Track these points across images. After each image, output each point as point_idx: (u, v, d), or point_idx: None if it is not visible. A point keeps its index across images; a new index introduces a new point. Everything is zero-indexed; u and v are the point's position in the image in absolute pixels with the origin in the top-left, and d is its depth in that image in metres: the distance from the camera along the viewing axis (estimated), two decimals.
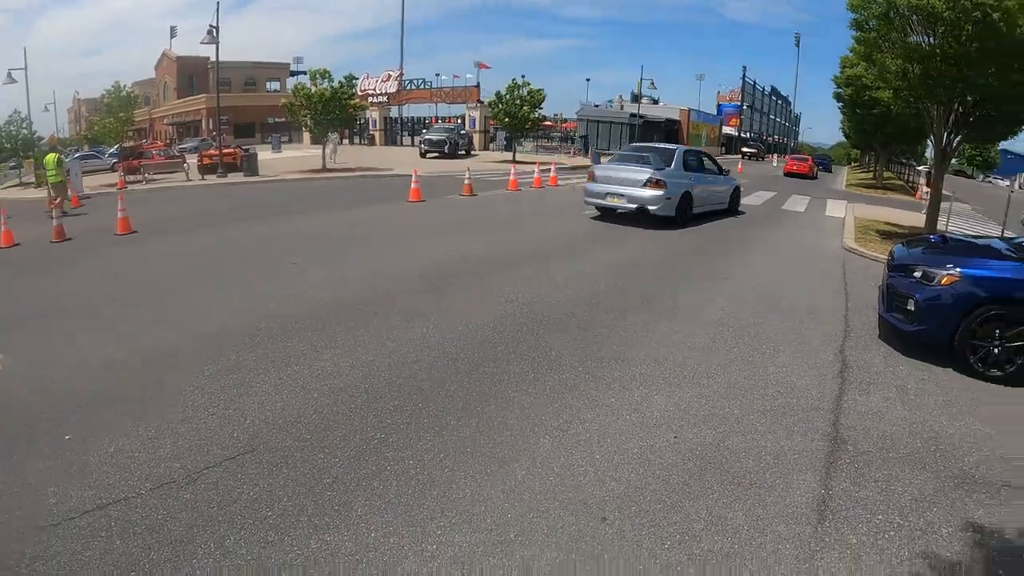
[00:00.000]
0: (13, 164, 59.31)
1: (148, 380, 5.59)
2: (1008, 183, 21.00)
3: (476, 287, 8.63)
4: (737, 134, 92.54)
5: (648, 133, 62.53)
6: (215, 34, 29.18)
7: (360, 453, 4.27)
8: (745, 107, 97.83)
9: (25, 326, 7.52)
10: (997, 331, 6.00)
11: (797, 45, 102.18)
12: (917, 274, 6.57)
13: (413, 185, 18.80)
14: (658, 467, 4.16)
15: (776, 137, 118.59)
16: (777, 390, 5.48)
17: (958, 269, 6.30)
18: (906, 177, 43.79)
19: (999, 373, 6.00)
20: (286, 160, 40.19)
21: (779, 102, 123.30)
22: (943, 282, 6.30)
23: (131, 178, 27.73)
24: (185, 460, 4.22)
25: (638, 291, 8.66)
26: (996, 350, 6.02)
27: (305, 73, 38.26)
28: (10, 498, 3.87)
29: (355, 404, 5.00)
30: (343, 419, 4.75)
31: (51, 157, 20.38)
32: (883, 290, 7.21)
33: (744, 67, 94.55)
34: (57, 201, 18.34)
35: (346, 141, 63.97)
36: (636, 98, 68.54)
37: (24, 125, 48.77)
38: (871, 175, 51.08)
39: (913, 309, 6.48)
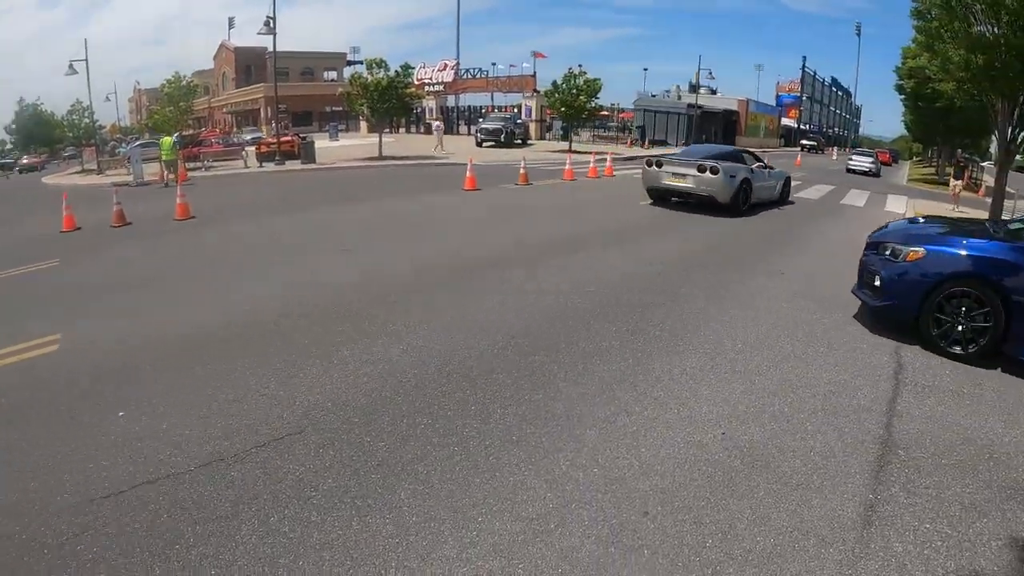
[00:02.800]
0: (71, 152, 61.85)
1: (200, 360, 5.76)
2: None
3: (528, 275, 8.66)
4: (797, 126, 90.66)
5: (706, 124, 61.80)
6: (272, 25, 29.73)
7: (406, 438, 4.33)
8: (804, 98, 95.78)
9: (84, 306, 7.83)
10: (963, 309, 6.08)
11: (858, 35, 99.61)
12: (887, 252, 6.74)
13: (468, 174, 18.98)
14: (704, 463, 4.11)
15: (836, 129, 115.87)
16: (829, 389, 5.34)
17: (924, 247, 6.42)
18: (970, 172, 42.43)
19: (960, 351, 6.11)
20: (343, 148, 40.77)
21: (840, 94, 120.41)
22: (908, 258, 6.44)
23: (191, 165, 28.46)
24: (234, 439, 4.34)
25: (692, 281, 8.53)
26: (959, 327, 6.10)
27: (362, 63, 38.58)
28: (64, 471, 4.03)
29: (404, 389, 5.07)
30: (391, 403, 4.82)
31: (167, 140, 24.18)
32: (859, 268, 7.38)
33: (804, 57, 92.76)
34: (170, 176, 23.60)
35: (401, 129, 64.62)
36: (694, 88, 67.76)
37: (86, 114, 50.58)
38: (934, 170, 49.66)
39: (879, 284, 6.67)
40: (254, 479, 3.88)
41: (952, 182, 21.89)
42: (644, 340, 6.28)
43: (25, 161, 66.06)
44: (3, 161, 70.26)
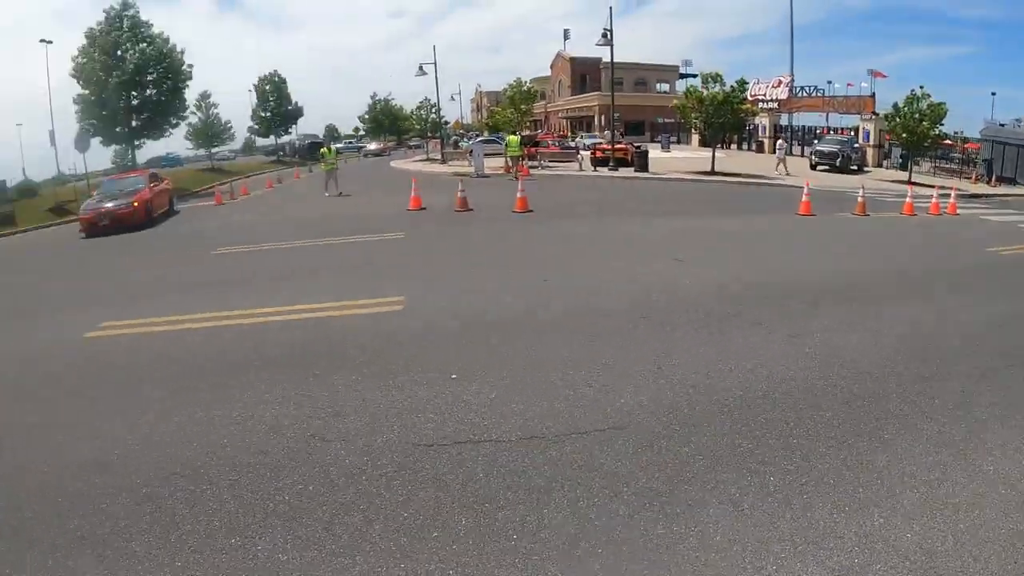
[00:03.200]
0: (417, 143, 70.41)
1: (535, 341, 6.45)
2: None
3: (870, 311, 8.24)
4: None
5: None
6: (609, 37, 31.03)
7: (723, 456, 4.41)
8: None
9: (426, 276, 9.24)
10: None
11: None
12: None
13: (804, 198, 18.23)
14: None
15: None
16: None
17: None
18: None
19: None
20: (675, 160, 41.28)
21: None
22: None
23: (529, 164, 30.77)
24: (557, 421, 4.74)
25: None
26: None
27: (695, 76, 38.97)
28: (395, 416, 4.74)
29: (728, 407, 5.15)
30: (714, 418, 4.92)
31: (514, 138, 27.64)
32: None
33: None
34: (512, 168, 27.48)
35: (733, 146, 63.58)
36: None
37: (432, 111, 57.88)
38: None
39: None
40: (570, 462, 4.20)
41: None
42: (985, 405, 5.64)
43: (373, 147, 75.86)
44: (357, 144, 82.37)
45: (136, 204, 20.46)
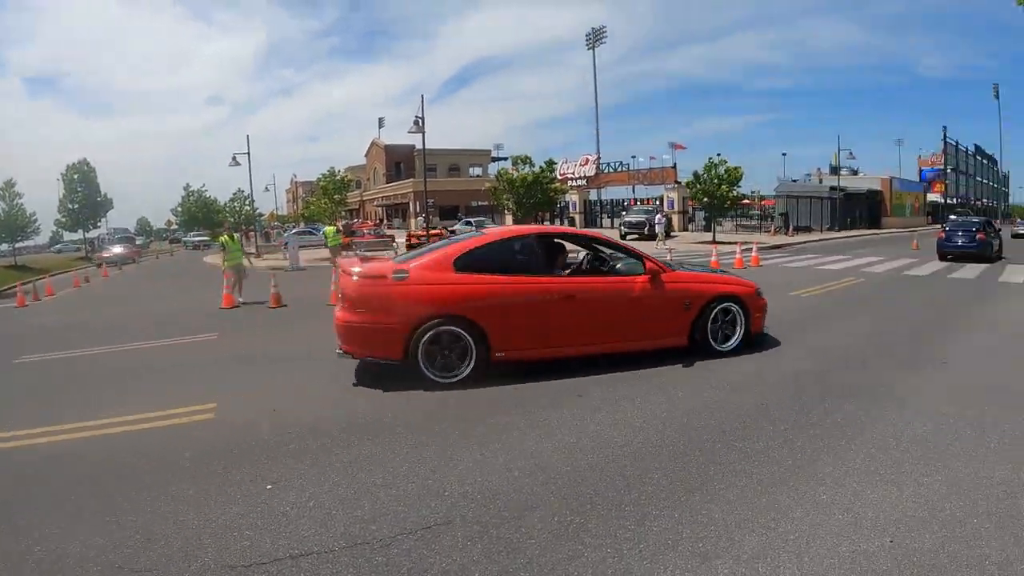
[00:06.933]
0: (202, 238, 68.34)
1: (364, 441, 6.06)
2: None
3: (665, 378, 8.49)
4: (943, 200, 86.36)
5: (850, 206, 59.70)
6: (421, 124, 31.69)
7: (557, 536, 4.25)
8: (949, 170, 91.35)
9: (238, 378, 8.67)
10: None
11: (996, 97, 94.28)
12: None
13: None
14: (870, 574, 3.79)
15: (985, 200, 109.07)
16: (1003, 490, 4.84)
17: None
18: None
19: None
20: None
21: (984, 162, 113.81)
22: None
23: (344, 254, 30.33)
24: (381, 523, 4.42)
25: (843, 376, 8.05)
26: None
27: (506, 159, 40.53)
28: (208, 537, 4.27)
29: (556, 485, 5.02)
30: (542, 500, 4.78)
31: (330, 229, 26.13)
32: None
33: (944, 127, 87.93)
34: (335, 259, 25.73)
35: (545, 223, 66.00)
36: (835, 170, 66.06)
37: (247, 202, 56.18)
38: None
39: None
40: (399, 566, 3.90)
41: None
42: (808, 439, 5.96)
43: (197, 239, 72.17)
44: (173, 237, 78.96)
45: None
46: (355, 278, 7.93)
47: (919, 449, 5.73)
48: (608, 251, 9.73)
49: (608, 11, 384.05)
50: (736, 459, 5.55)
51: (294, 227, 62.43)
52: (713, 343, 9.07)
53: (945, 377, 8.17)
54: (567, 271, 9.29)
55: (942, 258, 25.13)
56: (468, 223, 49.88)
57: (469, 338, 7.82)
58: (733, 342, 9.24)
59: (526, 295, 8.17)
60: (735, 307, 9.23)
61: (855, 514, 4.56)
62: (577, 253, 11.14)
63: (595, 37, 76.76)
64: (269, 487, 5.10)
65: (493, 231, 9.65)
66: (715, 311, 9.04)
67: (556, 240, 9.54)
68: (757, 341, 9.69)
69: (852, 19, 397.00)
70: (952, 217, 69.22)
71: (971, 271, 21.44)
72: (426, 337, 7.70)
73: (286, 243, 31.36)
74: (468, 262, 8.15)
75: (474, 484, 5.09)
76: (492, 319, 7.91)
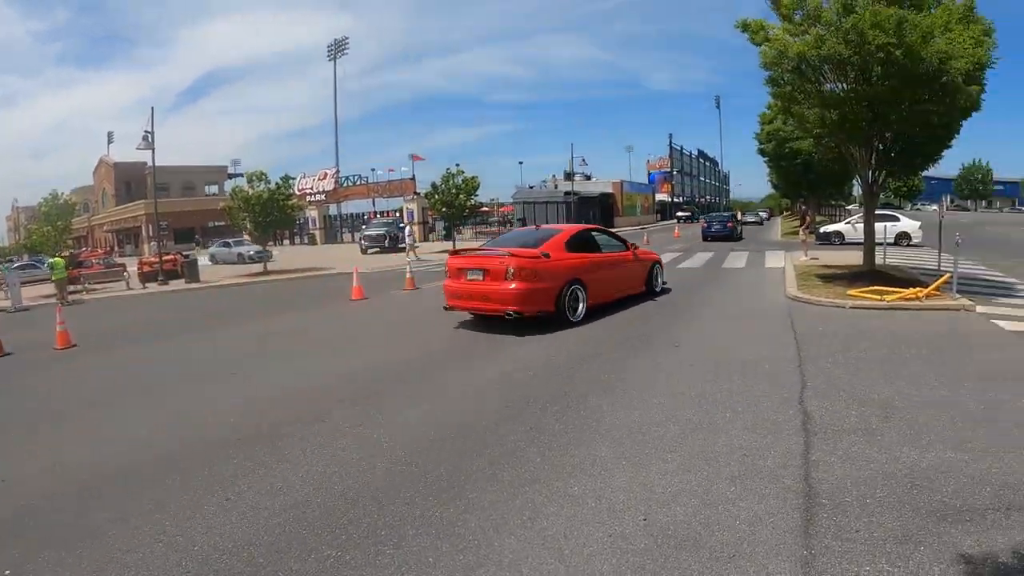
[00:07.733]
0: None
1: (89, 504, 5.20)
2: (935, 208, 22.37)
3: (407, 393, 8.44)
4: (670, 199, 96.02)
5: (584, 209, 64.05)
6: (151, 139, 29.11)
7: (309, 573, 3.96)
8: (675, 172, 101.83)
9: None
10: None
11: (718, 107, 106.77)
12: None
13: (355, 283, 18.69)
14: (631, 554, 3.92)
15: (708, 197, 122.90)
16: (742, 454, 5.32)
17: None
18: (838, 218, 45.26)
19: None
20: (225, 265, 40.07)
21: (707, 163, 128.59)
22: None
23: (71, 288, 26.99)
24: None
25: (596, 368, 8.50)
26: None
27: (242, 175, 38.33)
28: None
29: (308, 521, 4.66)
30: (297, 539, 4.41)
31: (59, 261, 24.75)
32: None
33: (670, 135, 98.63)
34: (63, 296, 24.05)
35: (286, 241, 63.76)
36: (569, 176, 70.37)
37: None
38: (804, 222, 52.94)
39: None
40: None
41: (801, 233, 25.12)
42: (547, 437, 6.07)
43: None
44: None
45: None
46: (524, 259, 11.30)
47: (657, 430, 6.09)
48: (615, 240, 14.60)
49: (354, 22, 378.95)
50: (485, 465, 5.51)
51: (15, 260, 54.62)
52: (655, 288, 14.97)
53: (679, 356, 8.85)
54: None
55: (704, 239, 35.19)
56: (226, 244, 46.49)
57: (582, 293, 11.99)
58: (659, 287, 15.27)
59: (600, 263, 13.00)
60: (659, 266, 15.37)
61: (608, 500, 4.69)
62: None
63: (337, 48, 75.89)
64: (7, 573, 4.26)
65: (569, 227, 13.94)
66: (655, 269, 15.07)
67: (593, 232, 14.27)
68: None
69: (588, 37, 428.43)
70: (679, 214, 78.45)
71: (698, 260, 23.55)
72: (568, 293, 11.62)
73: (5, 280, 27.01)
74: (572, 244, 12.43)
75: (223, 533, 4.58)
76: (589, 279, 12.26)
